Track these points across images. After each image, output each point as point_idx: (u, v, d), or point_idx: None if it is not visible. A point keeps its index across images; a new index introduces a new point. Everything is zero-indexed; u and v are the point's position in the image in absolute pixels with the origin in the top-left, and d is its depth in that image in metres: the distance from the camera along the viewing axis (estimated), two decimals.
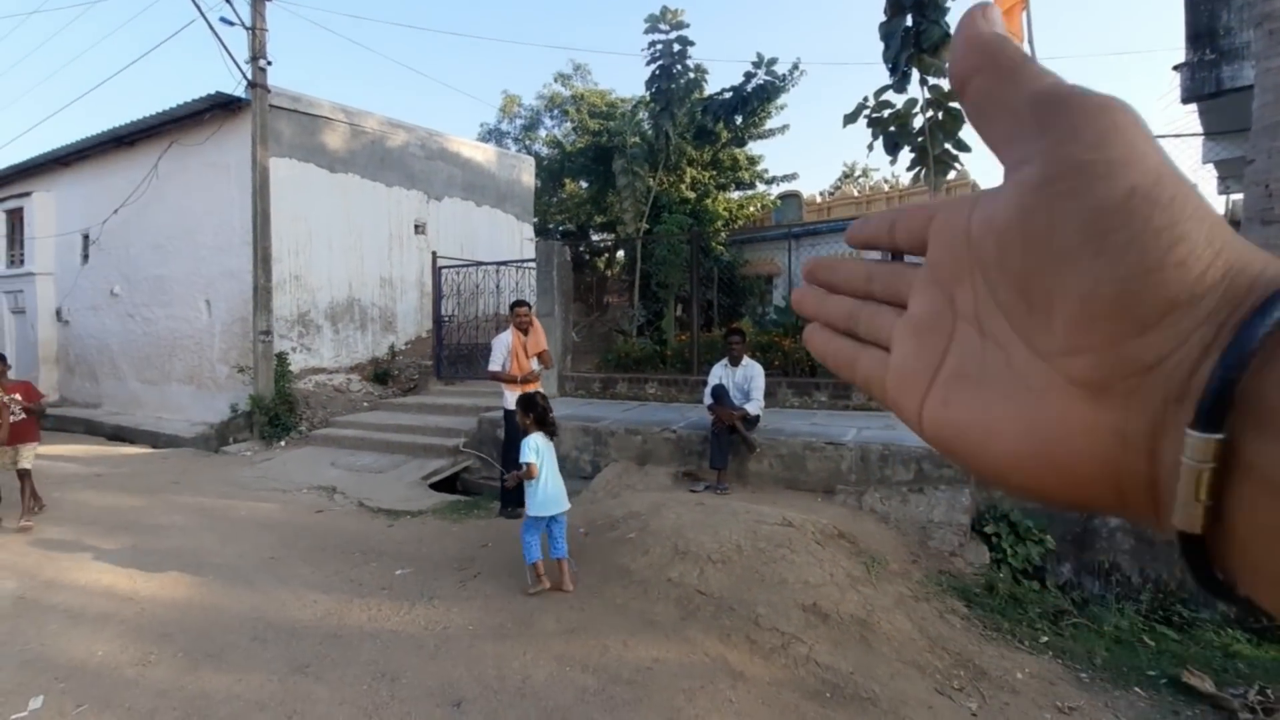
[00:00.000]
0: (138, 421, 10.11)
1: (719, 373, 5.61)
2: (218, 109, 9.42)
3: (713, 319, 9.26)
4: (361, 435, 7.97)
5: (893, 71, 7.50)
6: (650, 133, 11.36)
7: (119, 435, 9.87)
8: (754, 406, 5.41)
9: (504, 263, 9.66)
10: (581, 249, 15.29)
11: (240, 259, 9.14)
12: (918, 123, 7.62)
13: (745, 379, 5.55)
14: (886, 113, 7.62)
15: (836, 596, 3.70)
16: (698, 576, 3.88)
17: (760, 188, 15.35)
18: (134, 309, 11.01)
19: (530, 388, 5.44)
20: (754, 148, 14.74)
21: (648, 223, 10.42)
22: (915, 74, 7.43)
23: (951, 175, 9.07)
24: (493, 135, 19.74)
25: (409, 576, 4.20)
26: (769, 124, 13.43)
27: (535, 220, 14.93)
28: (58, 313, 12.53)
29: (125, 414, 10.75)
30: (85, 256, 11.87)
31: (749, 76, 11.29)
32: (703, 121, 11.77)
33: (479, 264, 9.73)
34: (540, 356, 5.51)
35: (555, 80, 18.68)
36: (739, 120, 12.06)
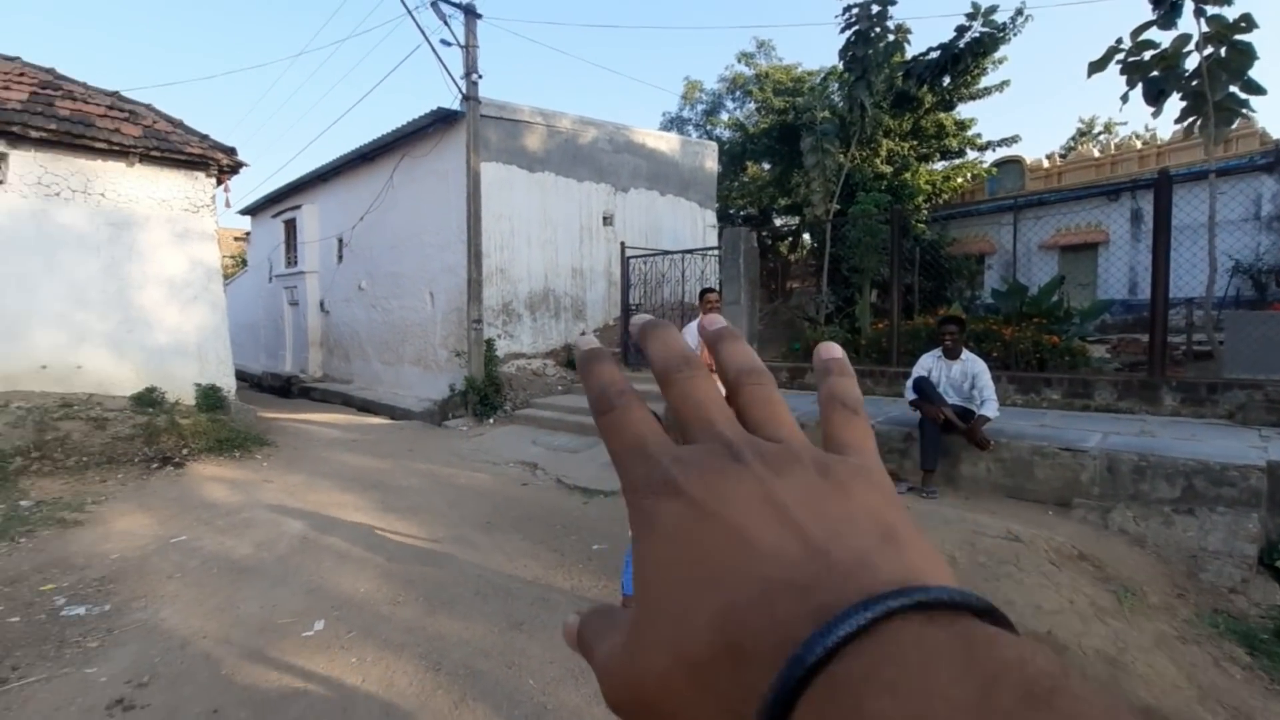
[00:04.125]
0: (379, 396, 11.87)
1: (928, 364, 5.06)
2: (439, 123, 10.61)
3: (912, 305, 8.44)
4: (558, 417, 8.54)
5: (1157, 4, 6.16)
6: (842, 105, 10.60)
7: (366, 407, 11.68)
8: (991, 409, 4.76)
9: (689, 251, 9.72)
10: (764, 234, 14.91)
11: (456, 255, 10.26)
12: (1191, 63, 6.19)
13: (964, 375, 4.92)
14: (1148, 55, 6.29)
15: (1077, 627, 3.16)
16: None
17: (971, 155, 13.65)
18: (376, 301, 12.91)
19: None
20: (964, 111, 13.13)
21: (838, 203, 9.78)
22: (1188, 4, 6.03)
23: (1235, 124, 7.29)
24: (674, 123, 20.01)
25: (605, 552, 4.38)
26: (983, 82, 11.85)
27: (717, 206, 14.85)
28: (321, 304, 15.10)
29: (370, 390, 12.69)
30: (340, 257, 14.15)
31: (961, 31, 10.00)
32: (904, 87, 10.67)
33: (665, 253, 9.89)
34: None
35: (738, 60, 18.32)
36: (946, 82, 10.78)
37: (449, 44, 9.72)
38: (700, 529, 0.23)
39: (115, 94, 8.30)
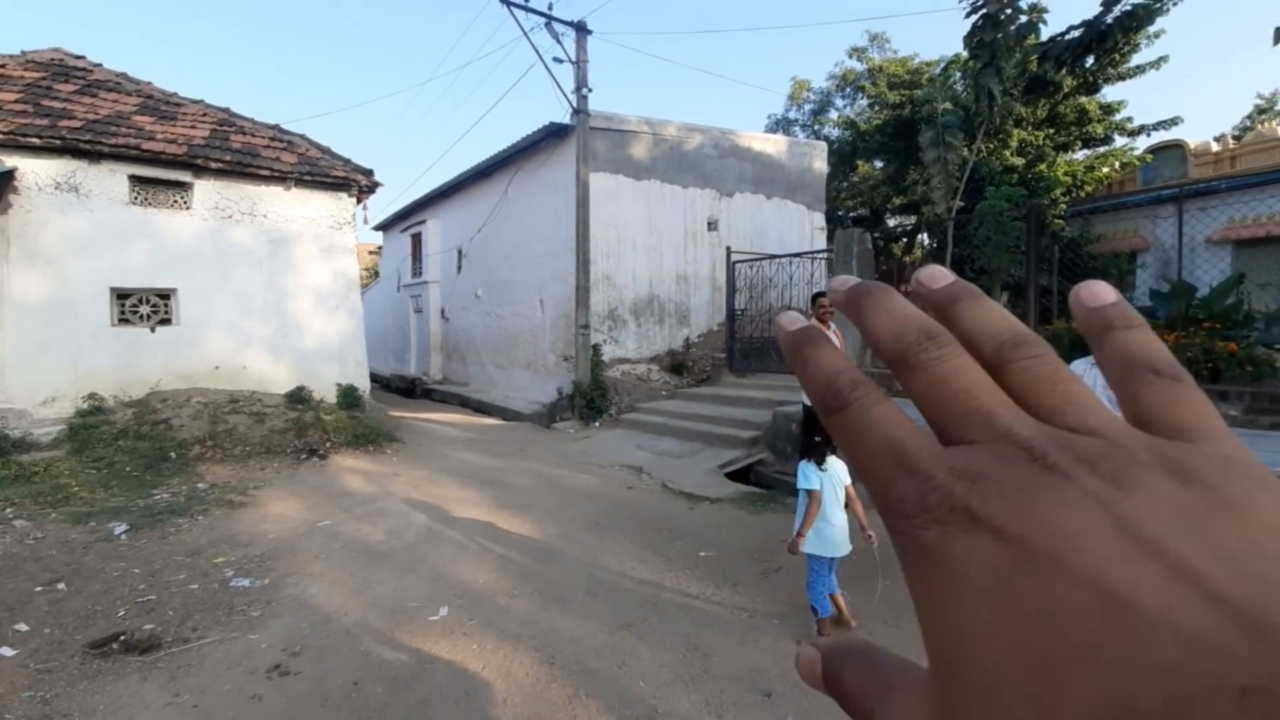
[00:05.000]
0: (492, 399, 12.51)
1: (1079, 370, 4.55)
2: (550, 137, 11.04)
3: (1050, 309, 7.68)
4: (662, 422, 8.59)
5: None
6: (967, 95, 9.92)
7: (480, 409, 12.35)
8: None
9: (798, 254, 9.46)
10: (876, 235, 14.25)
11: (565, 263, 10.62)
12: None
13: None
14: None
15: None
16: None
17: (1120, 142, 12.29)
18: (490, 308, 13.63)
19: None
20: (1110, 93, 11.87)
21: (962, 199, 9.12)
22: None
23: None
24: (780, 125, 19.62)
25: (712, 560, 4.33)
26: (1135, 59, 10.65)
27: (825, 208, 14.37)
28: (441, 311, 16.15)
29: (484, 392, 13.40)
30: (459, 267, 15.07)
31: (1109, 4, 9.02)
32: (1039, 71, 9.78)
33: (773, 257, 9.70)
34: None
35: (849, 55, 17.63)
36: (1089, 62, 9.76)
37: (561, 61, 10.13)
38: (1031, 580, 0.16)
39: (276, 126, 9.38)
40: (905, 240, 14.43)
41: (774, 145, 13.22)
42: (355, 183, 9.28)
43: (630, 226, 11.21)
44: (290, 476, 6.64)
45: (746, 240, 12.00)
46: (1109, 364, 0.22)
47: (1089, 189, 11.60)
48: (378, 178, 9.59)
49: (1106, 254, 10.09)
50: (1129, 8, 9.05)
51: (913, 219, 13.49)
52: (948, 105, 9.68)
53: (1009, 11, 8.51)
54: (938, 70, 12.89)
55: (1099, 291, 0.23)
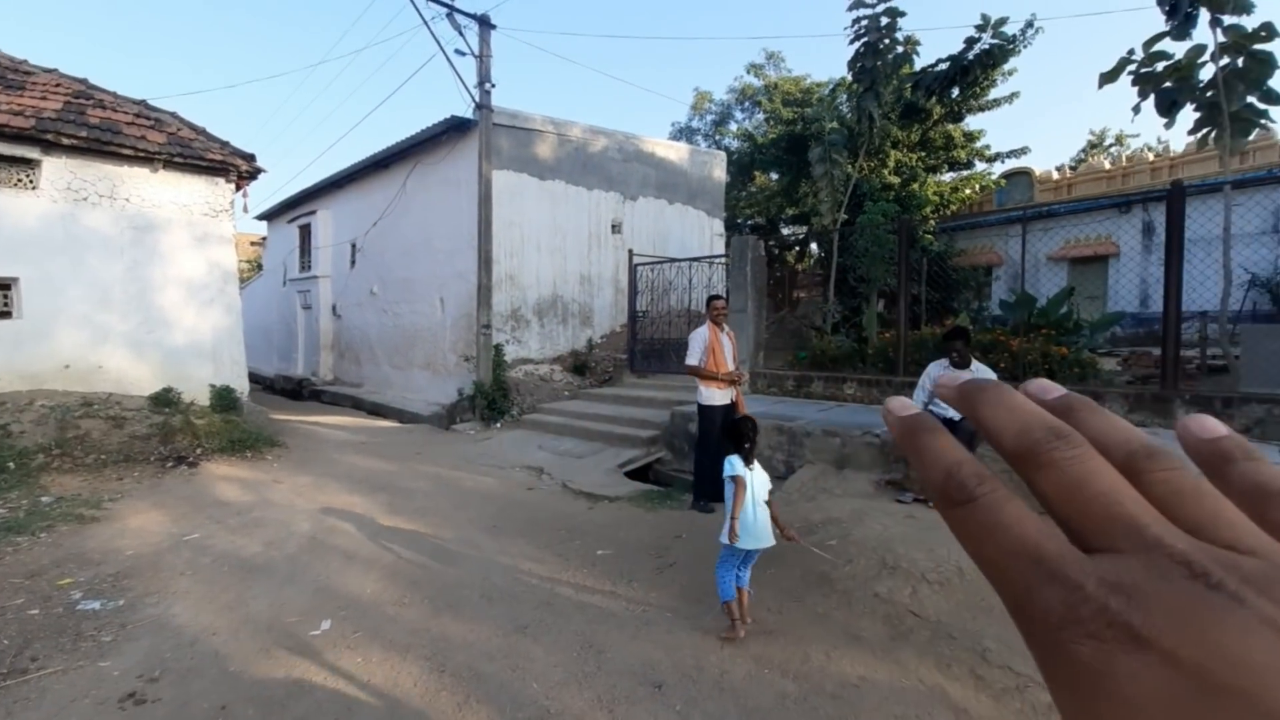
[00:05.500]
0: (389, 400, 11.98)
1: (937, 373, 5.08)
2: (452, 131, 10.75)
3: (919, 315, 8.46)
4: (564, 422, 8.60)
5: (1171, 14, 6.20)
6: (851, 116, 10.70)
7: (376, 410, 11.79)
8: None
9: (697, 259, 9.78)
10: (771, 243, 14.95)
11: (467, 261, 10.37)
12: (1205, 74, 6.21)
13: None
14: (1160, 65, 6.30)
15: None
16: (909, 595, 3.56)
17: (980, 167, 13.70)
18: (387, 305, 13.04)
19: (723, 386, 5.39)
20: (972, 122, 13.23)
21: (846, 213, 9.84)
22: (1203, 15, 6.06)
23: (1253, 135, 7.30)
24: (683, 133, 20.17)
25: (609, 557, 4.41)
26: (993, 94, 11.92)
27: (724, 215, 14.94)
28: (333, 308, 15.25)
29: (380, 393, 12.81)
30: (353, 262, 14.30)
31: (971, 43, 10.06)
32: (912, 99, 10.73)
33: (673, 260, 9.96)
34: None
35: (748, 71, 18.49)
36: (955, 93, 10.83)
37: (463, 54, 9.88)
38: (1214, 714, 0.15)
39: (142, 103, 8.51)
40: (797, 249, 15.30)
41: (677, 152, 13.58)
42: (234, 167, 8.59)
43: (534, 226, 11.12)
44: (153, 486, 6.06)
45: (649, 244, 12.24)
46: (1235, 492, 0.21)
47: (954, 208, 12.87)
48: (260, 163, 8.93)
49: (967, 267, 11.28)
50: (987, 47, 10.16)
51: (804, 229, 14.35)
52: (834, 125, 10.40)
53: (887, 41, 9.27)
54: (826, 92, 13.80)
55: (1209, 425, 0.23)
